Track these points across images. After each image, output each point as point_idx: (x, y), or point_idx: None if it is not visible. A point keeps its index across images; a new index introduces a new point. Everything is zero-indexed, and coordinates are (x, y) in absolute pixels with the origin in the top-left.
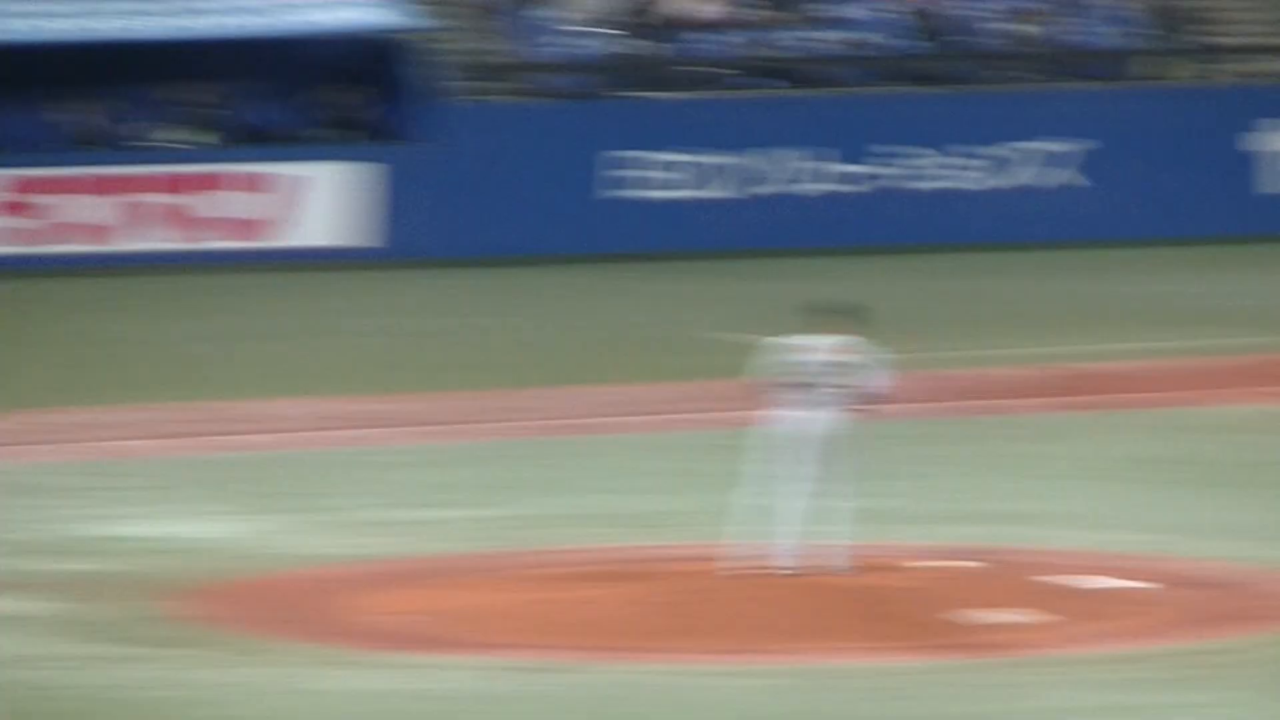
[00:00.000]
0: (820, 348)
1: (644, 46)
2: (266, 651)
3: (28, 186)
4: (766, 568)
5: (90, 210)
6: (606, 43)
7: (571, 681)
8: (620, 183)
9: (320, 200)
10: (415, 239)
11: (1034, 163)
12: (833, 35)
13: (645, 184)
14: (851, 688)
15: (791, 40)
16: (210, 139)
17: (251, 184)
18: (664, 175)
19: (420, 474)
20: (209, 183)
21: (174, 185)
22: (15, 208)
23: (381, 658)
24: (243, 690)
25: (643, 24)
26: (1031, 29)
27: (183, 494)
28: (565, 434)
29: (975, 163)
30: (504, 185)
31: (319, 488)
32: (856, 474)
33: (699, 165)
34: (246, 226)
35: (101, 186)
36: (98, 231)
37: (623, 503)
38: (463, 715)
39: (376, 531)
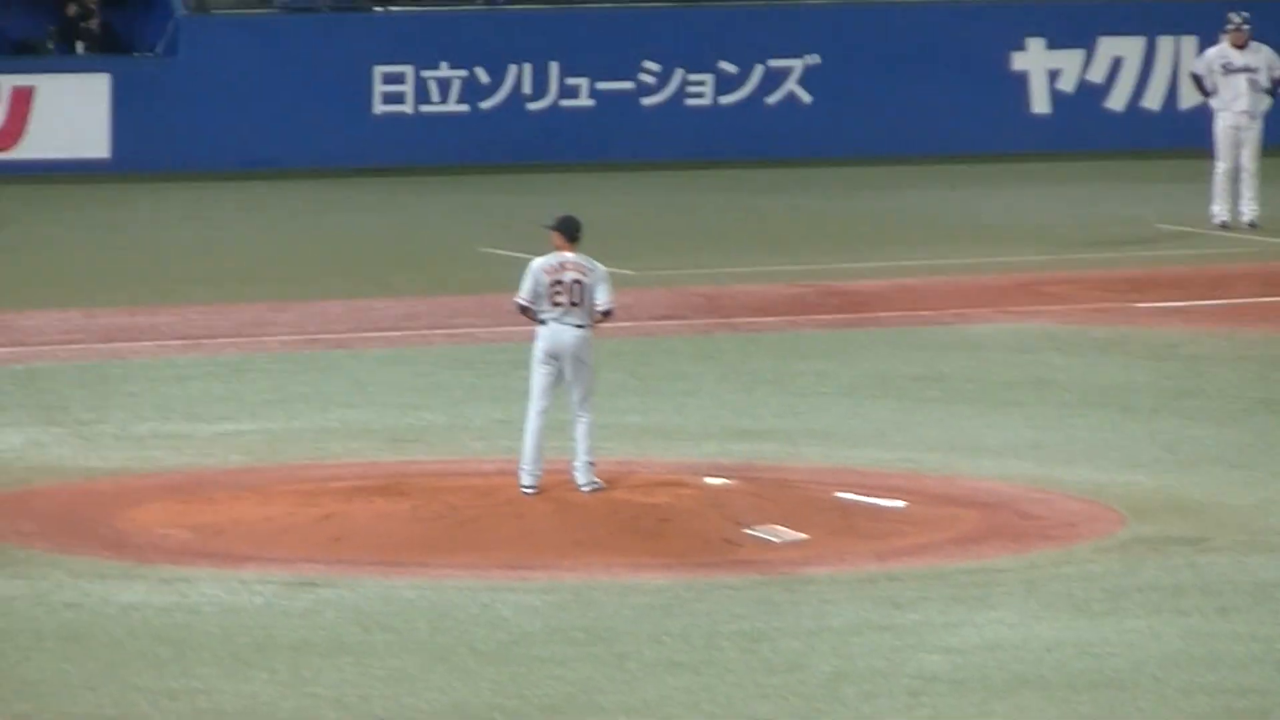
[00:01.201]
0: (564, 265)
1: None
2: (20, 563)
3: None
4: (520, 485)
5: None
6: None
7: (327, 597)
8: (350, 95)
9: (51, 113)
10: (143, 152)
11: (767, 78)
12: None
13: (375, 97)
14: (625, 604)
15: None
16: None
17: None
18: (392, 89)
19: (180, 388)
20: None
21: None
22: None
23: (138, 570)
24: (5, 600)
25: None
26: None
27: None
28: (321, 348)
29: (701, 77)
30: (231, 97)
31: (78, 401)
32: (605, 390)
33: (423, 79)
34: None
35: None
36: None
37: (379, 416)
38: (210, 629)
39: (139, 446)
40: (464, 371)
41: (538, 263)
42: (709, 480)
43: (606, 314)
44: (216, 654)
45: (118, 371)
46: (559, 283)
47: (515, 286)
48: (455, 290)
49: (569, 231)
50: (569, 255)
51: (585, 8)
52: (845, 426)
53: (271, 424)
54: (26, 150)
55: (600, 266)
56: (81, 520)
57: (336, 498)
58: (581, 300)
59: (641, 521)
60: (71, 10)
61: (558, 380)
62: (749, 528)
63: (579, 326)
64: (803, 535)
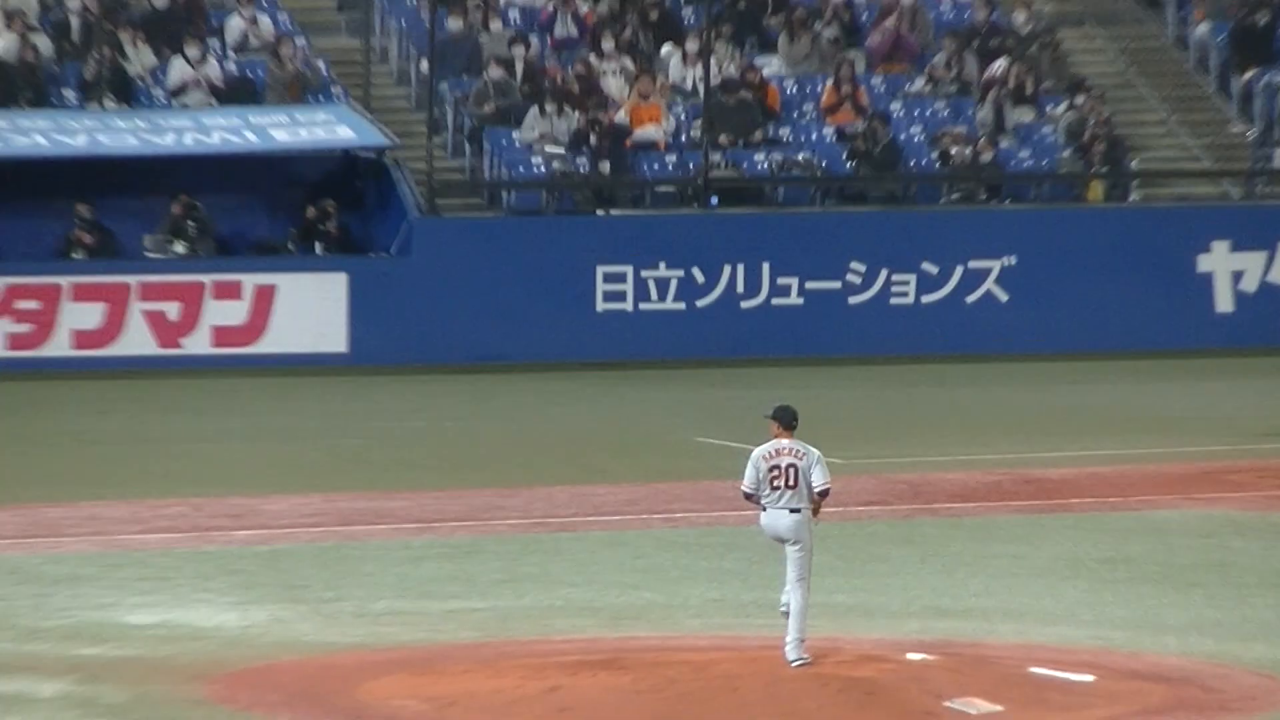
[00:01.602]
0: (779, 451)
1: (594, 165)
2: None
3: (18, 292)
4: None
5: (78, 316)
6: (553, 161)
7: None
8: (574, 294)
9: (293, 309)
10: (378, 346)
11: (966, 278)
12: (772, 156)
13: (597, 296)
14: None
15: (729, 160)
16: (191, 249)
17: (226, 292)
18: (614, 288)
19: (414, 568)
20: (189, 292)
21: (157, 292)
22: (7, 312)
23: None
24: None
25: (590, 143)
26: (959, 151)
27: (182, 584)
28: (548, 530)
29: (904, 278)
30: (461, 295)
31: (318, 580)
32: (815, 571)
33: (643, 278)
34: (222, 333)
35: (88, 293)
36: (85, 336)
37: (601, 595)
38: None
39: (375, 623)
40: (680, 554)
41: (757, 451)
42: (910, 656)
43: (824, 494)
44: None
45: (355, 552)
46: (776, 468)
47: (728, 474)
48: (672, 477)
49: (785, 420)
50: (784, 442)
51: (795, 211)
52: (1038, 606)
53: (500, 602)
54: (268, 345)
55: (814, 450)
56: (322, 693)
57: (562, 671)
58: (797, 483)
59: (848, 695)
60: (311, 213)
61: (783, 559)
62: (948, 700)
63: (794, 511)
64: (998, 707)
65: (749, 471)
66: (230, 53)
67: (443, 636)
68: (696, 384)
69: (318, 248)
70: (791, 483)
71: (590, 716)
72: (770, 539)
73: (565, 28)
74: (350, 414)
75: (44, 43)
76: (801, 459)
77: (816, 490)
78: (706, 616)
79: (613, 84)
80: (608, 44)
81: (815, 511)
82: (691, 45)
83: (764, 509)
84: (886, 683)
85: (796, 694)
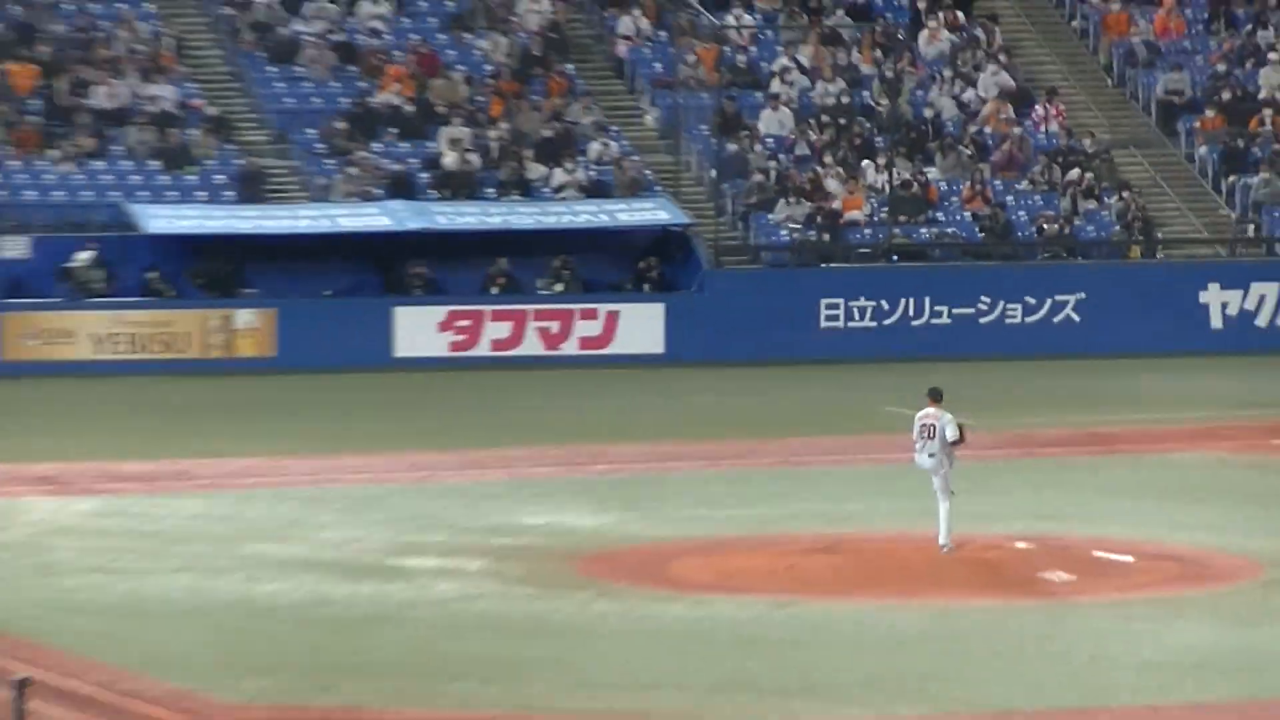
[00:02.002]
0: (926, 415)
1: (818, 235)
2: (617, 592)
3: (457, 316)
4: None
5: (495, 330)
6: (794, 232)
7: (794, 613)
8: (805, 317)
9: (631, 326)
10: (684, 350)
11: (1053, 306)
12: (931, 229)
13: (821, 318)
14: (970, 613)
15: (905, 233)
16: (565, 288)
17: (588, 316)
18: (831, 313)
19: (702, 489)
20: (565, 315)
21: (545, 315)
22: (450, 328)
23: (684, 597)
24: (603, 614)
25: (817, 221)
26: (1049, 227)
27: (561, 499)
28: (790, 466)
29: (1010, 304)
30: (735, 319)
31: (641, 496)
32: (957, 491)
33: (849, 307)
34: (585, 341)
35: (501, 316)
36: (499, 343)
37: (825, 506)
38: (720, 628)
39: (676, 524)
40: (873, 482)
41: (915, 415)
42: (1018, 545)
43: (954, 442)
44: (722, 641)
45: (666, 481)
46: (923, 425)
47: (902, 431)
48: (869, 432)
49: (934, 395)
50: (930, 409)
51: (945, 265)
52: (1100, 512)
53: (760, 510)
54: (615, 348)
55: (947, 415)
56: (647, 568)
57: (798, 554)
58: (934, 436)
59: (977, 569)
60: (642, 265)
61: (933, 482)
62: (1041, 573)
63: (931, 455)
64: (1073, 577)
65: (914, 428)
66: (591, 165)
67: (723, 532)
68: (883, 375)
69: (645, 288)
70: (930, 436)
71: (813, 580)
72: (921, 471)
73: (801, 149)
74: (666, 393)
75: (475, 159)
76: (938, 420)
77: (949, 440)
78: (890, 519)
79: (832, 184)
80: (828, 159)
81: (951, 451)
82: (881, 160)
83: (916, 452)
84: (1002, 562)
85: (945, 567)
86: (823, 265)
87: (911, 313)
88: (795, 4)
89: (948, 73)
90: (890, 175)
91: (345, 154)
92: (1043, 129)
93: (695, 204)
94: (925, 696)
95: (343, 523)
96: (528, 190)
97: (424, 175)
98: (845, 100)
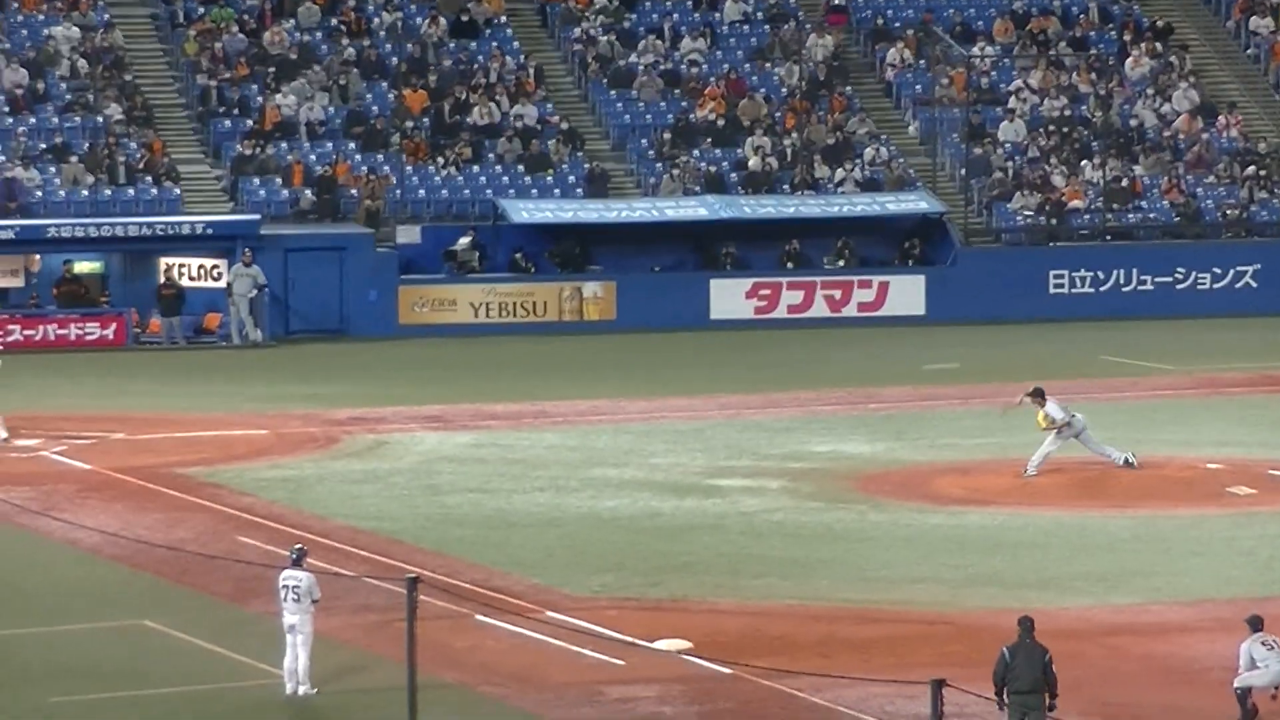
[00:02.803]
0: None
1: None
2: (888, 505)
3: (760, 286)
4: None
5: (790, 296)
6: (1027, 218)
7: (1030, 521)
8: (1037, 286)
9: (898, 293)
10: (941, 311)
11: (1236, 275)
12: (1137, 215)
13: (1049, 286)
14: (1168, 525)
15: (1116, 218)
16: (845, 263)
17: (864, 285)
18: (1058, 283)
19: (975, 422)
20: (846, 285)
21: (830, 285)
22: (754, 296)
23: (941, 509)
24: (877, 523)
25: (1046, 209)
26: (1231, 213)
27: (844, 431)
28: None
29: (1200, 274)
30: (980, 286)
31: (907, 428)
32: (1148, 428)
33: (1073, 277)
34: (863, 305)
35: (795, 286)
36: (793, 307)
37: (1018, 438)
38: (972, 539)
39: (937, 450)
40: (1086, 415)
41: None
42: (1209, 465)
43: (1052, 425)
44: (972, 545)
45: (956, 416)
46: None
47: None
48: (1085, 378)
49: (1037, 394)
50: (1052, 401)
51: (1147, 243)
52: (1253, 440)
53: (1008, 439)
54: (886, 311)
55: (1079, 417)
56: (910, 485)
57: (1015, 472)
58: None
59: (1173, 484)
60: (906, 244)
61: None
62: (1229, 487)
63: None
64: (1254, 490)
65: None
66: (865, 166)
67: (973, 457)
68: (1099, 331)
69: (909, 263)
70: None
71: (1045, 495)
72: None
73: (1033, 152)
74: (926, 346)
75: (773, 162)
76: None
77: (1055, 422)
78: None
79: (1057, 180)
80: (1054, 160)
81: (1054, 429)
82: (1096, 160)
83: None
84: (1195, 479)
85: (1150, 484)
86: (1050, 244)
87: (1122, 281)
88: (1027, 37)
89: (1149, 90)
90: (1104, 172)
91: (670, 159)
92: (1225, 135)
93: (949, 196)
94: (1134, 588)
95: (669, 451)
96: (815, 186)
97: (733, 175)
98: (1067, 113)
